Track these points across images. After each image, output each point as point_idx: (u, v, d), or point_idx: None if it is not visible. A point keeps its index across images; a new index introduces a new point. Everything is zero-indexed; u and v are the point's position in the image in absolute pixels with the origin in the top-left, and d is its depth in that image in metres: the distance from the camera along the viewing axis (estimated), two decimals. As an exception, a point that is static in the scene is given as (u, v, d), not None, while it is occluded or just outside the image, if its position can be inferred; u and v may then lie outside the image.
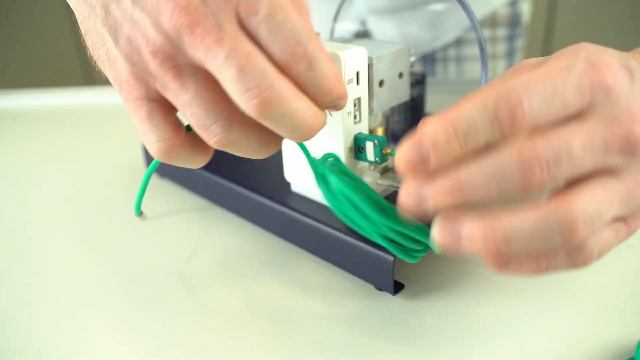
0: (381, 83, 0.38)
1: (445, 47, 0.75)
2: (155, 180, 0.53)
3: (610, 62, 0.23)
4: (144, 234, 0.44)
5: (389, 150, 0.35)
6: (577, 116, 0.22)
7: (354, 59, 0.34)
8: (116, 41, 0.26)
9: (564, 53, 0.25)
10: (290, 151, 0.40)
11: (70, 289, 0.38)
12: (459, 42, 0.75)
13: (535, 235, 0.21)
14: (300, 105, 0.25)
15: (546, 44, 1.86)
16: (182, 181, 0.50)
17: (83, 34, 0.29)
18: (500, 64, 0.78)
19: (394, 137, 0.50)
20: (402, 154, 0.23)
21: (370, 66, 0.36)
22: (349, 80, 0.34)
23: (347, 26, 0.74)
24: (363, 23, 0.74)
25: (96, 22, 0.27)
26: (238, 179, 0.44)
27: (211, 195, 0.47)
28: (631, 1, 1.74)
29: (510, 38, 0.77)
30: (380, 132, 0.41)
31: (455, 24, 0.73)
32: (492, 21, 0.75)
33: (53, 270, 0.41)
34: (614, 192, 0.23)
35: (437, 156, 0.22)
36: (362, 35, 0.75)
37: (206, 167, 0.46)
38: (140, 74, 0.26)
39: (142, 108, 0.27)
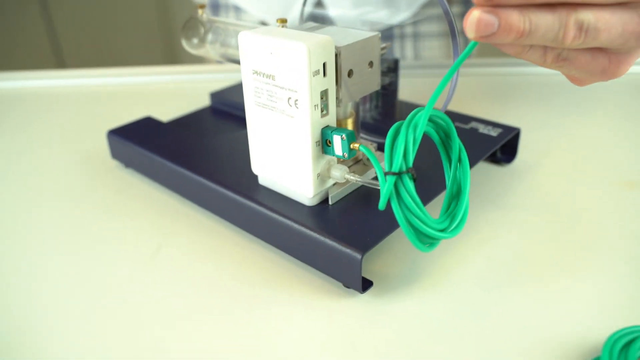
0: (350, 73, 0.36)
1: (402, 25, 0.74)
2: (119, 170, 0.51)
3: None
4: (109, 228, 0.43)
5: (357, 145, 0.34)
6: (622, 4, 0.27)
7: (320, 50, 0.32)
8: None
9: None
10: (257, 143, 0.38)
11: (33, 285, 0.37)
12: (415, 19, 0.74)
13: (548, 28, 0.26)
14: None
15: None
16: (147, 172, 0.48)
17: None
18: (460, 40, 0.77)
19: (365, 126, 0.49)
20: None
21: (337, 55, 0.35)
22: (315, 72, 0.32)
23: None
24: None
25: None
26: (205, 171, 0.42)
27: (177, 187, 0.45)
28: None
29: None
30: (349, 123, 0.39)
31: (412, 0, 0.71)
32: None
33: (14, 266, 0.39)
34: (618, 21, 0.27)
35: None
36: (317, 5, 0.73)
37: (171, 158, 0.45)
38: None
39: None
